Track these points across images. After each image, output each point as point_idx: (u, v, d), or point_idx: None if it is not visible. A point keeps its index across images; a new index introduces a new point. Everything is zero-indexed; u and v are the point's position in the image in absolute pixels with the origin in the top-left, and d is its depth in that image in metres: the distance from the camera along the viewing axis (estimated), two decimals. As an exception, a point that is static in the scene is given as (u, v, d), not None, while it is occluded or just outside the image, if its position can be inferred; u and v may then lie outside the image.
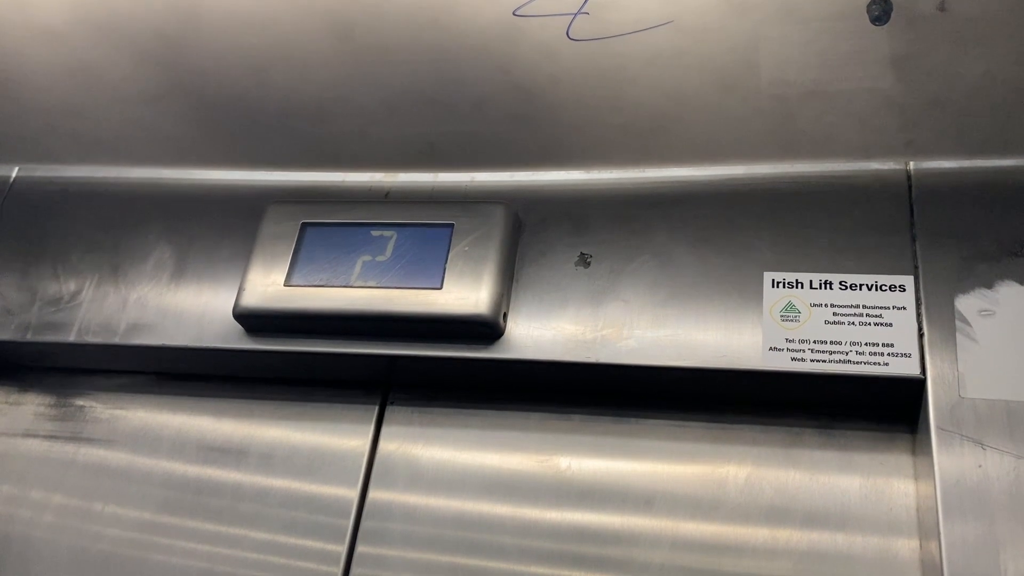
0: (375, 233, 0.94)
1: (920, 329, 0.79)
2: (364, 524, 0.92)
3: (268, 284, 0.93)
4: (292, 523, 0.94)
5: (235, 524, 0.96)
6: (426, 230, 0.92)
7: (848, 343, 0.80)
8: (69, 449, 1.04)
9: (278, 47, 0.90)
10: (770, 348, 0.82)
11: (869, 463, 0.83)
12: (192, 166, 1.07)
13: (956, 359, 0.77)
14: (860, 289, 0.82)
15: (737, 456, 0.86)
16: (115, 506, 1.00)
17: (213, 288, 0.99)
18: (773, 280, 0.85)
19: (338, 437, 0.97)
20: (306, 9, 0.87)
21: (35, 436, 1.07)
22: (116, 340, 0.99)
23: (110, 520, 0.99)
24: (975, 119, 0.82)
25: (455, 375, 0.94)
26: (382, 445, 0.96)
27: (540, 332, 0.88)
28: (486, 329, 0.88)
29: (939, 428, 0.74)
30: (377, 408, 0.98)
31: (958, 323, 0.78)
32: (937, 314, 0.79)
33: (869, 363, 0.79)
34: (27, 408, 1.09)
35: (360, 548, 0.91)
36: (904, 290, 0.81)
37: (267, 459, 0.98)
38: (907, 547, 0.79)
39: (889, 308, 0.81)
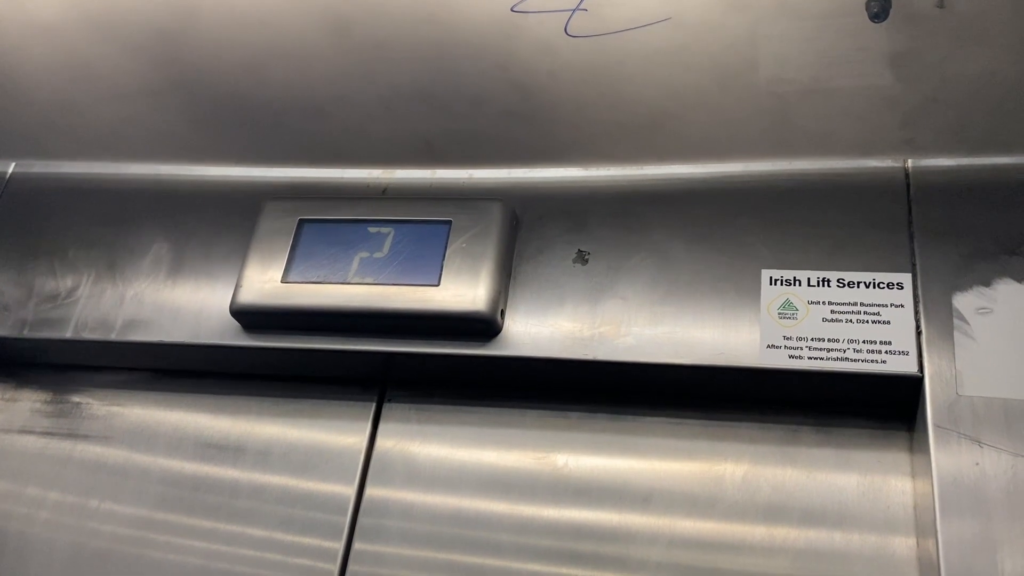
0: (372, 230, 0.94)
1: (918, 327, 0.79)
2: (361, 521, 0.92)
3: (265, 281, 0.93)
4: (289, 520, 0.94)
5: (232, 521, 0.95)
6: (423, 227, 0.92)
7: (846, 341, 0.80)
8: (65, 446, 1.04)
9: (276, 43, 0.90)
10: (768, 346, 0.82)
11: (866, 461, 0.83)
12: (189, 162, 1.07)
13: (954, 357, 0.77)
14: (858, 287, 0.82)
15: (734, 454, 0.86)
16: (112, 503, 0.99)
17: (210, 284, 0.98)
18: (771, 278, 0.85)
19: (335, 434, 0.97)
20: (304, 5, 0.87)
21: (31, 433, 1.06)
22: (113, 336, 0.99)
23: (107, 517, 0.99)
24: (974, 117, 0.82)
25: (452, 372, 0.94)
26: (379, 442, 0.96)
27: (538, 329, 0.88)
28: (483, 326, 0.88)
29: (936, 426, 0.74)
30: (374, 405, 0.98)
31: (956, 321, 0.78)
32: (935, 312, 0.79)
33: (867, 361, 0.79)
34: (23, 404, 1.09)
35: (357, 545, 0.91)
36: (902, 288, 0.81)
37: (264, 456, 0.98)
38: (904, 545, 0.79)
39: (887, 306, 0.81)
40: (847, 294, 0.82)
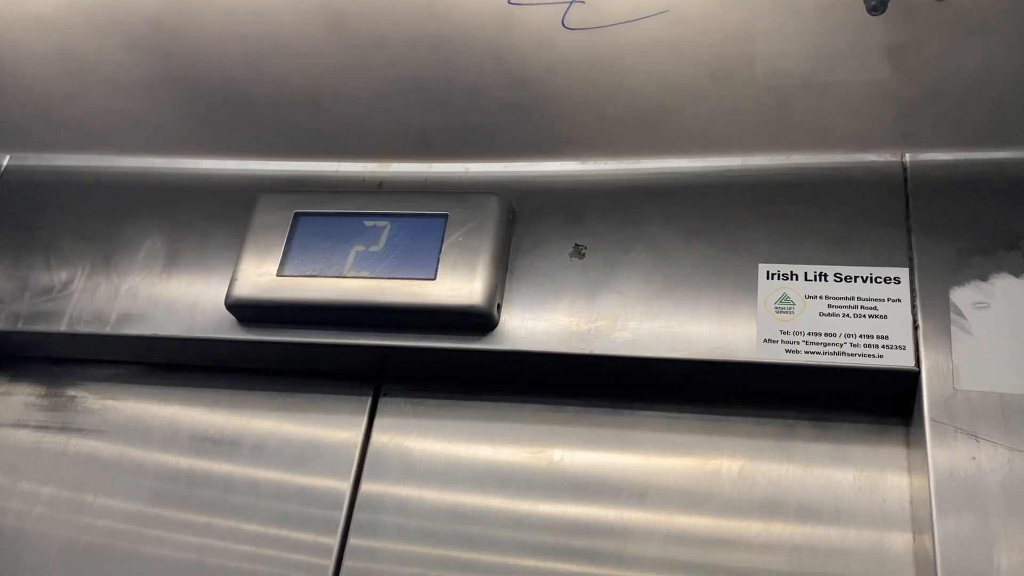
0: (368, 223, 0.93)
1: (915, 321, 0.79)
2: (356, 516, 0.92)
3: (261, 274, 0.92)
4: (284, 515, 0.94)
5: (227, 516, 0.95)
6: (420, 220, 0.92)
7: (843, 335, 0.80)
8: (60, 440, 1.04)
9: (271, 36, 0.89)
10: (764, 340, 0.81)
11: (863, 455, 0.83)
12: (184, 155, 1.07)
13: (951, 351, 0.76)
14: (855, 281, 0.82)
15: (731, 448, 0.86)
16: (106, 497, 0.99)
17: (205, 278, 0.98)
18: (768, 272, 0.85)
19: (331, 428, 0.97)
20: (300, -3, 0.86)
21: (25, 426, 1.06)
22: (107, 330, 0.98)
23: (101, 511, 0.98)
24: (972, 111, 0.82)
25: (448, 366, 0.94)
26: (375, 437, 0.96)
27: (534, 323, 0.88)
28: (480, 320, 0.88)
29: (933, 420, 0.74)
30: (370, 399, 0.98)
31: (953, 315, 0.78)
32: (932, 306, 0.79)
33: (864, 355, 0.79)
34: (17, 398, 1.08)
35: (352, 540, 0.91)
36: (899, 282, 0.81)
37: (259, 450, 0.98)
38: (900, 540, 0.79)
39: (884, 300, 0.80)
40: (844, 288, 0.82)
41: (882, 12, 0.76)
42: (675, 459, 0.87)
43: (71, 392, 1.07)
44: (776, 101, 0.85)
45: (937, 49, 0.78)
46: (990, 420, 0.73)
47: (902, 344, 0.78)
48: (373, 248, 0.92)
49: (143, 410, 1.03)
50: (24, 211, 1.09)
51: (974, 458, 0.72)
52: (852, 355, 0.79)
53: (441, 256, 0.89)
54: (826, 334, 0.80)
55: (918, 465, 0.77)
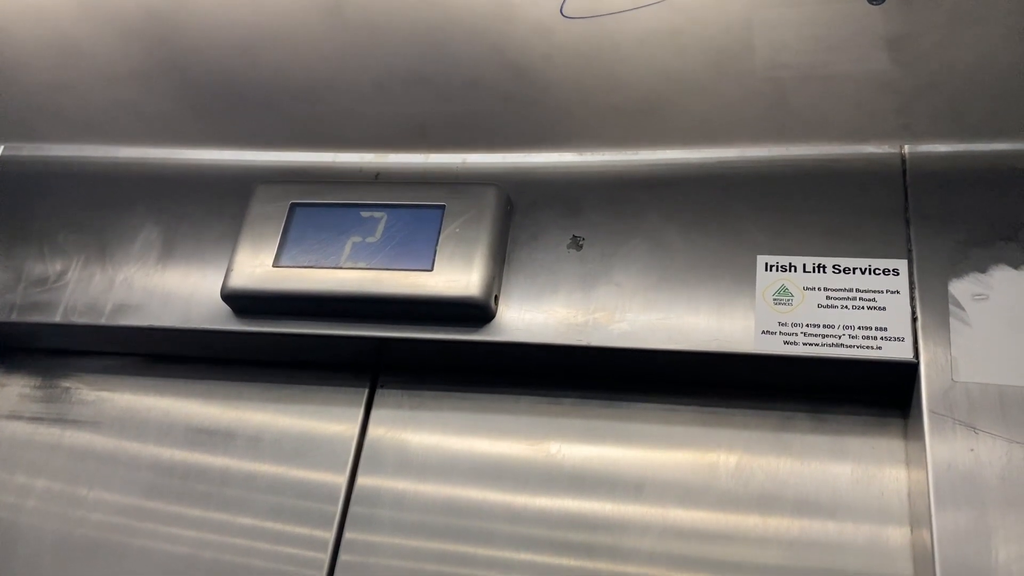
0: (365, 214, 0.93)
1: (913, 313, 0.79)
2: (352, 510, 0.92)
3: (256, 265, 0.92)
4: (279, 508, 0.93)
5: (222, 509, 0.95)
6: (417, 211, 0.92)
7: (841, 327, 0.80)
8: (54, 432, 1.04)
9: (267, 25, 0.89)
10: (763, 332, 0.81)
11: (861, 448, 0.83)
12: (180, 145, 1.06)
13: (949, 343, 0.76)
14: (853, 273, 0.82)
15: (728, 441, 0.86)
16: (101, 490, 0.99)
17: (201, 269, 0.98)
18: (766, 263, 0.84)
19: (327, 421, 0.97)
20: (297, -14, 0.86)
21: (20, 418, 1.06)
22: (102, 321, 0.98)
23: (95, 504, 0.98)
24: (971, 103, 0.82)
25: (445, 358, 0.93)
26: (371, 429, 0.95)
27: (531, 315, 0.87)
28: (477, 312, 0.87)
29: (931, 412, 0.74)
30: (366, 391, 0.97)
31: (951, 307, 0.78)
32: (931, 298, 0.79)
33: (862, 347, 0.78)
34: (12, 390, 1.08)
35: (348, 534, 0.91)
36: (898, 274, 0.81)
37: (255, 442, 0.97)
38: (898, 533, 0.79)
39: (882, 292, 0.80)
40: (843, 280, 0.82)
41: (882, 2, 0.76)
42: (672, 452, 0.87)
43: (66, 383, 1.07)
44: (775, 92, 0.85)
45: (936, 40, 0.78)
46: (989, 412, 0.73)
47: (901, 336, 0.78)
48: (370, 239, 0.91)
49: (138, 402, 1.03)
50: (18, 201, 1.08)
51: (972, 450, 0.72)
52: (850, 347, 0.79)
53: (438, 247, 0.89)
54: (824, 326, 0.80)
55: (916, 457, 0.77)
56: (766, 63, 0.82)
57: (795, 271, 0.83)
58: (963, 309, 0.77)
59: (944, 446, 0.73)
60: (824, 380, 0.83)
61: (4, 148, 1.13)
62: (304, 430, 0.97)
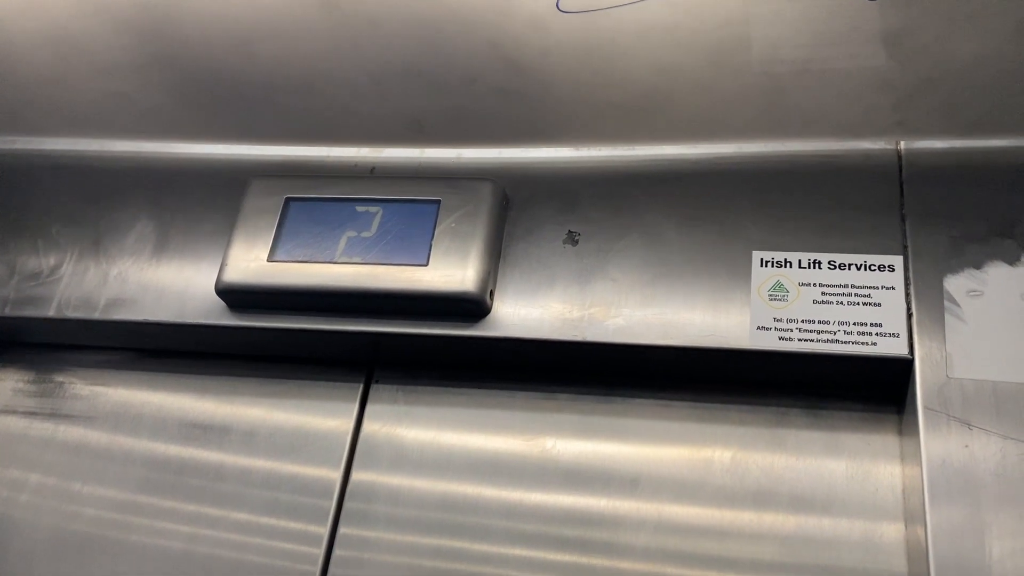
0: (360, 209, 0.93)
1: (909, 309, 0.79)
2: (347, 505, 0.91)
3: (251, 259, 0.92)
4: (274, 504, 0.93)
5: (216, 504, 0.95)
6: (412, 206, 0.91)
7: (836, 323, 0.80)
8: (48, 426, 1.03)
9: (263, 18, 0.88)
10: (758, 327, 0.81)
11: (856, 444, 0.83)
12: (175, 139, 1.06)
13: (944, 339, 0.76)
14: (849, 269, 0.82)
15: (723, 436, 0.86)
16: (94, 484, 0.99)
17: (195, 263, 0.97)
18: (762, 259, 0.84)
19: (322, 416, 0.97)
20: (292, -21, 0.85)
21: (13, 413, 1.05)
22: (96, 315, 0.98)
23: (89, 499, 0.98)
24: (967, 99, 0.82)
25: (441, 353, 0.93)
26: (366, 424, 0.95)
27: (527, 310, 0.87)
28: (472, 307, 0.87)
29: (926, 408, 0.74)
30: (361, 386, 0.97)
31: (947, 303, 0.78)
32: (926, 294, 0.79)
33: (857, 343, 0.78)
34: (5, 384, 1.07)
35: (343, 529, 0.90)
36: (893, 270, 0.81)
37: (249, 438, 0.97)
38: (893, 529, 0.79)
39: (878, 288, 0.80)
40: (838, 276, 0.82)
41: (879, -3, 0.76)
42: (667, 447, 0.87)
43: (59, 378, 1.06)
44: (772, 87, 0.84)
45: (933, 36, 0.78)
46: (983, 408, 0.73)
47: (896, 332, 0.78)
48: (365, 234, 0.91)
49: (132, 396, 1.02)
50: (11, 195, 1.08)
51: (967, 446, 0.72)
52: (845, 343, 0.79)
53: (433, 242, 0.89)
54: (819, 321, 0.80)
55: (911, 453, 0.77)
56: (763, 58, 0.82)
57: (791, 267, 0.83)
58: (958, 305, 0.77)
59: (939, 442, 0.73)
60: (819, 376, 0.83)
61: (-3, 141, 1.13)
62: (299, 425, 0.97)
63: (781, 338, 0.80)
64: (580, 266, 0.88)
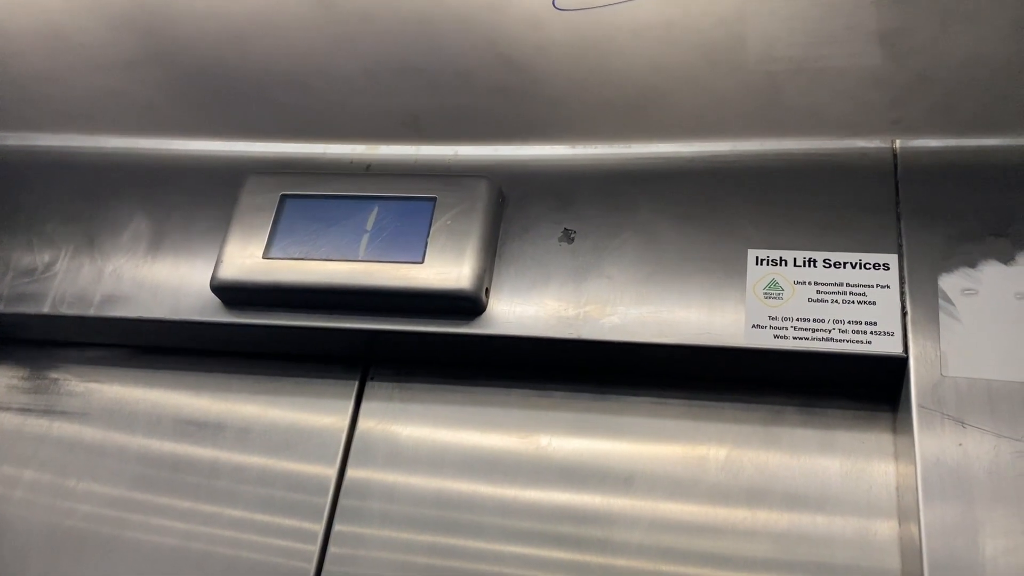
0: (356, 206, 0.92)
1: (903, 308, 0.79)
2: (342, 502, 0.91)
3: (246, 257, 0.92)
4: (269, 500, 0.93)
5: (211, 501, 0.95)
6: (408, 203, 0.91)
7: (831, 321, 0.80)
8: (42, 423, 1.03)
9: (258, 13, 0.88)
10: (753, 325, 0.81)
11: (850, 442, 0.83)
12: (169, 136, 1.05)
13: (939, 338, 0.76)
14: (844, 267, 0.82)
15: (718, 434, 0.86)
16: (89, 481, 0.98)
17: (190, 260, 0.97)
18: (757, 257, 0.84)
19: (317, 413, 0.96)
20: (287, -25, 0.85)
21: (7, 409, 1.05)
22: (91, 312, 0.97)
23: (83, 496, 0.98)
24: (962, 98, 0.82)
25: (436, 351, 0.93)
26: (361, 422, 0.95)
27: (523, 308, 0.87)
28: (468, 304, 0.87)
29: (920, 406, 0.74)
30: (357, 384, 0.97)
31: (941, 302, 0.78)
32: (920, 293, 0.79)
33: (852, 341, 0.79)
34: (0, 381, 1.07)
35: (337, 526, 0.90)
36: (888, 268, 0.81)
37: (244, 435, 0.97)
38: (886, 527, 0.79)
39: (873, 286, 0.80)
40: (833, 274, 0.82)
41: (875, -4, 0.76)
42: (662, 445, 0.87)
43: (54, 375, 1.06)
44: (767, 86, 0.84)
45: (929, 35, 0.78)
46: (977, 406, 0.73)
47: (890, 330, 0.78)
48: (360, 231, 0.91)
49: (127, 393, 1.02)
50: (6, 192, 1.07)
51: (961, 444, 0.72)
52: (840, 341, 0.79)
53: (429, 240, 0.89)
54: (814, 320, 0.80)
55: (905, 452, 0.77)
56: (759, 56, 0.82)
57: (786, 265, 0.83)
58: (952, 304, 0.77)
59: (933, 440, 0.73)
60: (814, 374, 0.83)
61: (-8, 137, 1.12)
62: (294, 422, 0.97)
63: (776, 336, 0.80)
64: (575, 264, 0.88)
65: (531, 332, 0.86)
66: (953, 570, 0.68)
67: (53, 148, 1.09)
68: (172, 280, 0.97)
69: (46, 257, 1.02)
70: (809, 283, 0.82)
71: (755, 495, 0.83)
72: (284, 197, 0.94)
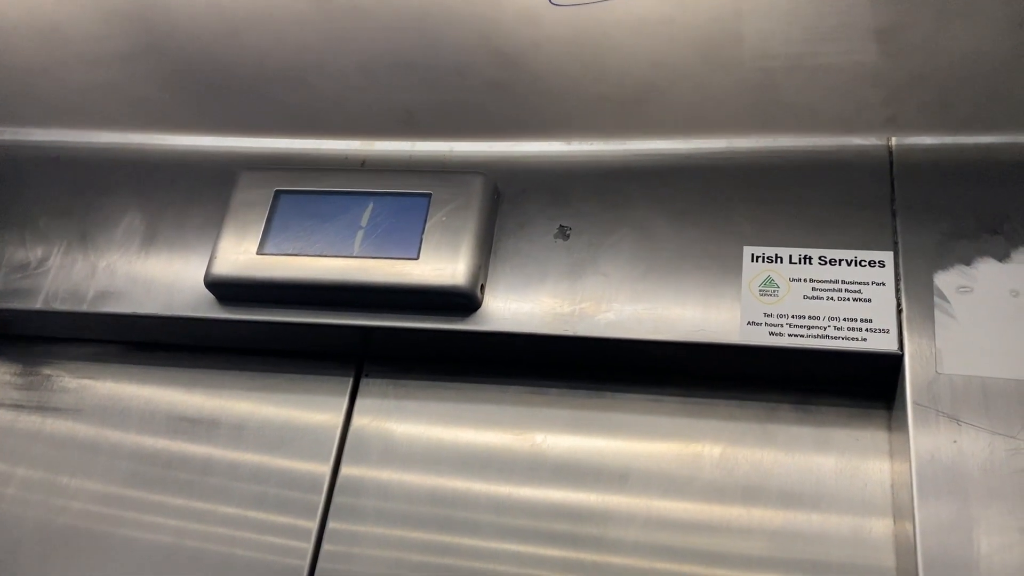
0: (350, 202, 0.92)
1: (899, 305, 0.79)
2: (336, 500, 0.91)
3: (240, 252, 0.91)
4: (263, 497, 0.93)
5: (204, 498, 0.94)
6: (403, 199, 0.91)
7: (826, 318, 0.80)
8: (35, 419, 1.02)
9: (253, 8, 0.88)
10: (748, 323, 0.81)
11: (845, 439, 0.83)
12: (163, 131, 1.05)
13: (934, 335, 0.76)
14: (839, 264, 0.82)
15: (713, 432, 0.86)
16: (81, 478, 0.98)
17: (184, 256, 0.97)
18: (752, 254, 0.84)
19: (311, 410, 0.96)
20: (283, -31, 0.85)
21: (0, 406, 1.04)
22: (84, 308, 0.97)
23: (76, 493, 0.97)
24: (958, 95, 0.82)
25: (431, 347, 0.93)
26: (356, 418, 0.95)
27: (518, 304, 0.87)
28: (463, 301, 0.87)
29: (915, 404, 0.74)
30: (351, 380, 0.97)
31: (936, 299, 0.78)
32: (916, 290, 0.79)
33: (847, 338, 0.79)
34: (-8, 377, 1.07)
35: (331, 524, 0.90)
36: (883, 266, 0.81)
37: (238, 431, 0.97)
38: (881, 524, 0.79)
39: (868, 284, 0.80)
40: (829, 272, 0.82)
41: (871, -8, 0.76)
42: (657, 442, 0.87)
43: (47, 371, 1.05)
44: (763, 82, 0.84)
45: (925, 33, 0.78)
46: (972, 404, 0.73)
47: (886, 328, 0.78)
48: (355, 227, 0.91)
49: (120, 390, 1.02)
50: (-1, 186, 1.07)
51: (955, 441, 0.72)
52: (836, 338, 0.79)
53: (424, 236, 0.88)
54: (810, 317, 0.80)
55: (900, 449, 0.77)
56: (755, 53, 0.82)
57: (781, 262, 0.83)
58: (948, 301, 0.77)
59: (927, 438, 0.73)
60: (809, 371, 0.83)
61: (-16, 132, 1.12)
62: (288, 419, 0.96)
63: (771, 333, 0.80)
64: (571, 260, 0.88)
65: (526, 329, 0.86)
66: (948, 567, 0.68)
67: (46, 143, 1.09)
68: (166, 276, 0.96)
69: (39, 253, 1.01)
70: (805, 280, 0.82)
71: (750, 492, 0.83)
72: (279, 193, 0.94)
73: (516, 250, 0.90)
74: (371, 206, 0.91)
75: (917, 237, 0.81)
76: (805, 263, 0.83)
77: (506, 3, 0.82)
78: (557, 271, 0.88)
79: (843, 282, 0.81)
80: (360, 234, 0.90)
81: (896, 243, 0.81)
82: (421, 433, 0.93)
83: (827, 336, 0.79)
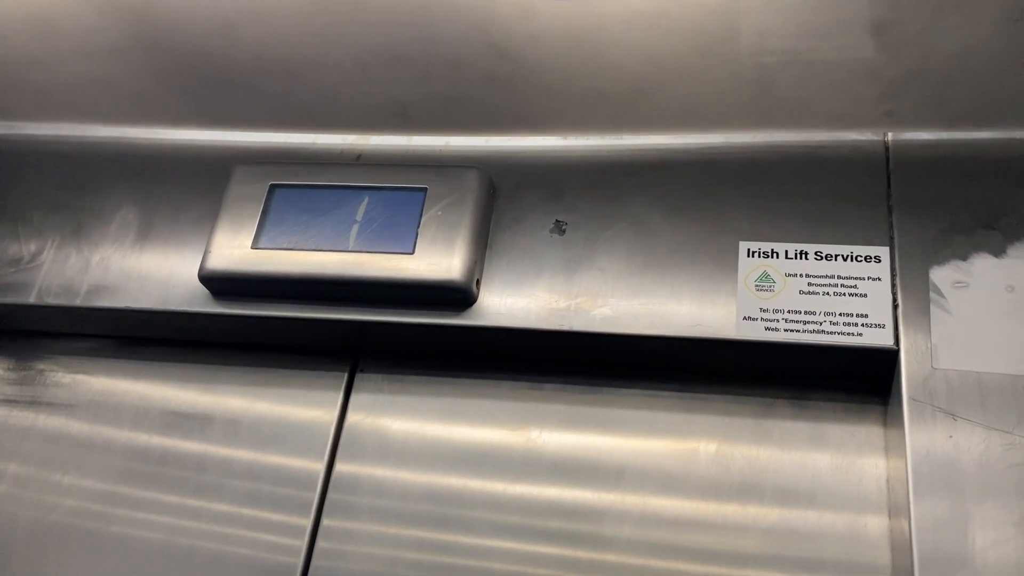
0: (346, 196, 0.92)
1: (895, 300, 0.79)
2: (330, 496, 0.91)
3: (235, 247, 0.91)
4: (256, 494, 0.92)
5: (198, 495, 0.94)
6: (398, 194, 0.91)
7: (822, 313, 0.80)
8: (28, 415, 1.02)
9: (248, 2, 0.87)
10: (744, 318, 0.81)
11: (841, 435, 0.83)
12: (158, 125, 1.05)
13: (930, 330, 0.76)
14: (835, 259, 0.82)
15: (708, 427, 0.86)
16: (75, 474, 0.97)
17: (179, 250, 0.96)
18: (748, 250, 0.84)
19: (305, 406, 0.96)
20: (278, -37, 0.85)
21: (-8, 401, 1.04)
22: (78, 302, 0.96)
23: (69, 489, 0.97)
24: (954, 90, 0.82)
25: (426, 342, 0.93)
26: (350, 414, 0.95)
27: (513, 299, 0.87)
28: (458, 296, 0.86)
29: (911, 399, 0.74)
30: (346, 376, 0.96)
31: (932, 295, 0.78)
32: (912, 285, 0.79)
33: (843, 333, 0.78)
34: (-16, 372, 1.06)
35: (326, 521, 0.90)
36: (879, 261, 0.81)
37: (232, 427, 0.96)
38: (877, 521, 0.79)
39: (864, 279, 0.80)
40: (825, 267, 0.82)
41: (867, -13, 0.76)
42: (653, 438, 0.87)
43: (40, 366, 1.05)
44: (759, 77, 0.84)
45: (921, 28, 0.78)
46: (968, 399, 0.73)
47: (881, 323, 0.78)
48: (350, 221, 0.90)
49: (114, 385, 1.01)
50: (-8, 180, 1.07)
51: (951, 437, 0.72)
52: (831, 333, 0.79)
53: (420, 230, 0.88)
54: (806, 312, 0.80)
55: (895, 444, 0.77)
56: (751, 47, 0.82)
57: (777, 257, 0.83)
58: (944, 296, 0.77)
59: (923, 433, 0.73)
60: (805, 366, 0.83)
61: (-23, 126, 1.11)
62: (282, 415, 0.96)
63: (767, 328, 0.80)
64: (567, 255, 0.88)
65: (522, 324, 0.86)
66: (943, 563, 0.68)
67: (39, 136, 1.08)
68: (160, 270, 0.96)
69: (32, 247, 1.01)
70: (800, 275, 0.82)
71: (746, 489, 0.83)
72: (273, 187, 0.93)
73: (512, 245, 0.90)
74: (366, 200, 0.91)
75: (913, 232, 0.81)
76: (801, 258, 0.83)
77: (502, -3, 0.82)
78: (553, 266, 0.88)
79: (839, 277, 0.81)
80: (355, 228, 0.90)
81: (892, 238, 0.81)
82: (416, 429, 0.92)
83: (823, 331, 0.79)
